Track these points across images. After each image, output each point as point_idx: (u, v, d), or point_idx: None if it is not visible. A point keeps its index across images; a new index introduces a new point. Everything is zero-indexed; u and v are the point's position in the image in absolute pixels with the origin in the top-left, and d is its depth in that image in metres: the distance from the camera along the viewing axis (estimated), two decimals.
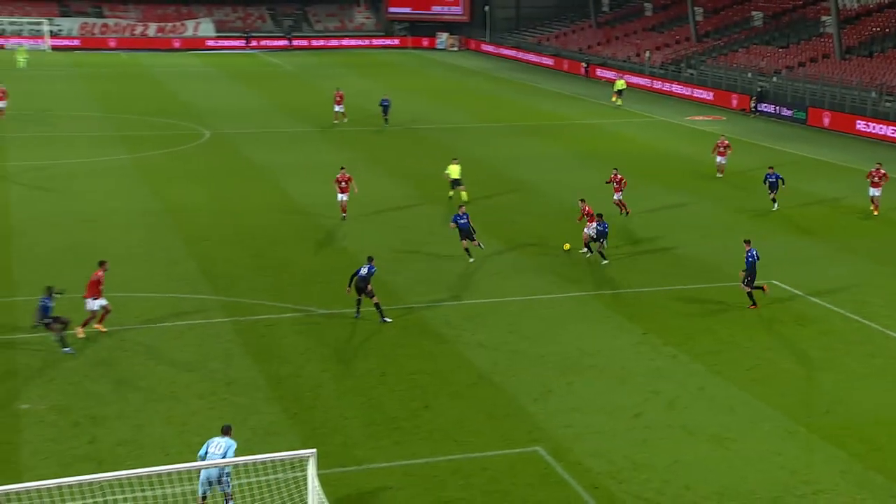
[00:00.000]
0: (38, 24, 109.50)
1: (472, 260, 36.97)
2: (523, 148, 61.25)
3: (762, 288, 33.32)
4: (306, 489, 17.09)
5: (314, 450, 16.89)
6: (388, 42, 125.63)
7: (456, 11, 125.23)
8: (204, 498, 19.55)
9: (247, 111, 72.68)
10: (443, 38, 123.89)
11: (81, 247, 37.94)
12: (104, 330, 29.74)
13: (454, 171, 46.05)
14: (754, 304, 32.81)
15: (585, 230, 37.70)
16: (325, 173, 47.44)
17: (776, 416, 25.31)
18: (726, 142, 53.62)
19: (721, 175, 52.83)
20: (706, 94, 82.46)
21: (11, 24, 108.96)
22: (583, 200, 38.79)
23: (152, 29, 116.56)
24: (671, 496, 21.43)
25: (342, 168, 43.58)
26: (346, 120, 66.12)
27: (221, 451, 19.58)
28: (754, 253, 32.70)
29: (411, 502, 21.08)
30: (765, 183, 46.18)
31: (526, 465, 22.79)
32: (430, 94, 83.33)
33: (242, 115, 70.53)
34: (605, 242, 37.19)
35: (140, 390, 26.16)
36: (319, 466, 16.90)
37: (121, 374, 27.08)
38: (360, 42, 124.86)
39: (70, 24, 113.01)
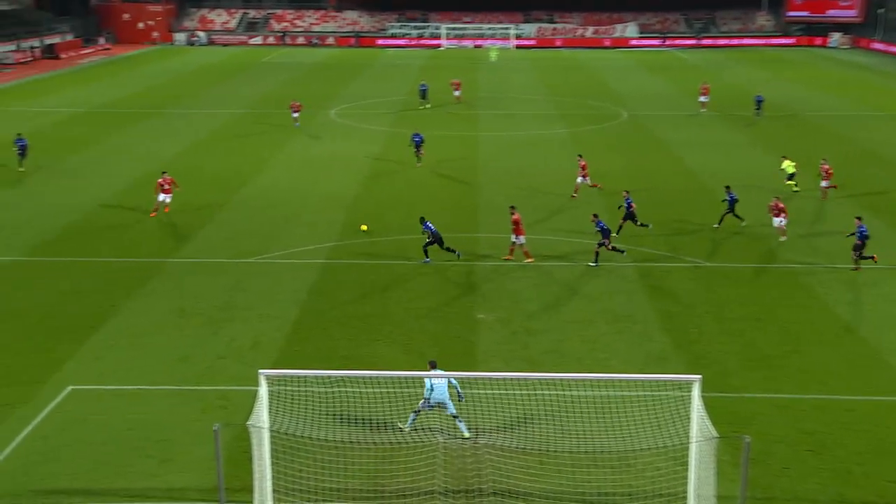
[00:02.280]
0: (507, 28, 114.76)
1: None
2: None
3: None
4: (690, 407, 16.55)
5: (699, 375, 16.28)
6: (784, 41, 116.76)
7: (850, 14, 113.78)
8: (417, 413, 18.93)
9: (656, 96, 70.92)
10: (835, 38, 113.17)
11: (530, 194, 39.30)
12: (531, 260, 30.69)
13: (788, 166, 40.85)
14: None
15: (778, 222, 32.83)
16: (719, 149, 45.17)
17: None
18: None
19: None
20: None
21: (488, 29, 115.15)
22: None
23: (589, 31, 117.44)
24: None
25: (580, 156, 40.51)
26: (703, 111, 62.14)
27: (443, 381, 18.58)
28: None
29: (776, 428, 19.92)
30: None
31: (890, 412, 20.62)
32: (815, 84, 76.44)
33: (653, 100, 68.92)
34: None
35: (560, 313, 26.67)
36: (701, 389, 16.25)
37: (547, 300, 27.78)
38: (758, 41, 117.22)
39: (529, 29, 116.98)
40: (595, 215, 31.35)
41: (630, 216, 33.53)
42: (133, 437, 19.35)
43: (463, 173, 44.43)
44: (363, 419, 19.68)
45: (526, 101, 68.70)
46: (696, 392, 16.25)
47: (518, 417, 19.35)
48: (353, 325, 25.67)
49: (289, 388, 19.69)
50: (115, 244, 32.72)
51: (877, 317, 26.27)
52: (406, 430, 19.13)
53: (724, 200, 35.31)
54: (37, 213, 36.95)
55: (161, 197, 35.72)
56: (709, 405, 16.70)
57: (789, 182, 40.87)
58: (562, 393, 19.85)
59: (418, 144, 45.54)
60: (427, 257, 30.81)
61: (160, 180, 36.01)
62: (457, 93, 66.26)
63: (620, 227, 33.52)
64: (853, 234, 30.39)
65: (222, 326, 25.54)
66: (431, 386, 18.78)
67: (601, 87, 77.07)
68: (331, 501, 17.01)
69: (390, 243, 33.13)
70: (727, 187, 35.30)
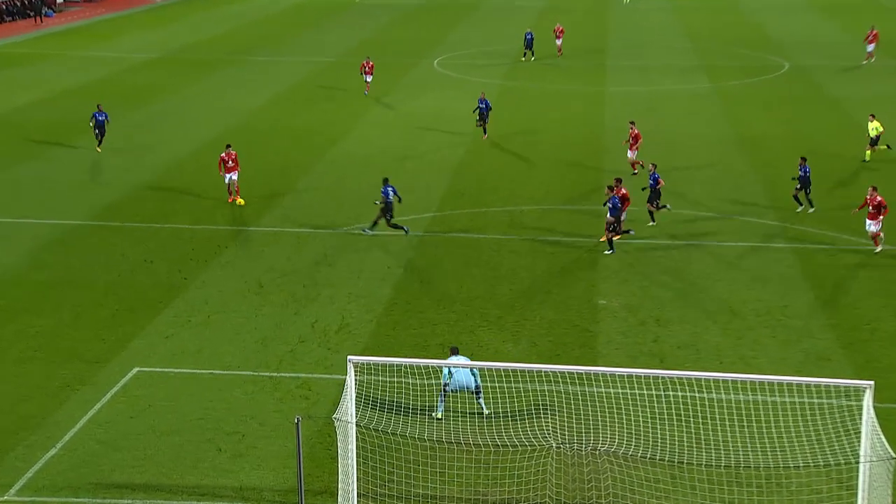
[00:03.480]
0: None
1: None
2: None
3: None
4: (860, 419, 15.90)
5: (871, 381, 15.58)
6: None
7: None
8: (443, 401, 19.46)
9: (830, 44, 68.13)
10: None
11: (666, 158, 38.40)
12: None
13: (874, 128, 38.64)
14: None
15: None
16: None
17: None
18: None
19: None
20: None
21: None
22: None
23: None
24: None
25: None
26: (868, 62, 59.35)
27: (467, 368, 19.03)
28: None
29: None
30: None
31: None
32: None
33: (824, 48, 66.23)
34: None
35: (699, 301, 26.03)
36: (874, 398, 15.56)
37: (684, 284, 27.15)
38: None
39: None
40: (612, 188, 29.71)
41: (655, 195, 31.33)
42: (204, 428, 19.81)
43: (585, 137, 43.86)
44: (464, 416, 19.69)
45: (663, 50, 67.16)
46: (867, 401, 15.57)
47: (646, 422, 19.06)
48: (453, 307, 25.71)
49: (380, 377, 19.84)
50: (190, 209, 33.62)
51: None
52: (439, 416, 19.43)
53: (793, 178, 33.05)
54: (104, 172, 38.36)
55: (228, 177, 33.71)
56: (883, 418, 16.07)
57: (878, 147, 38.58)
58: (699, 395, 19.42)
59: (484, 113, 42.27)
60: (370, 229, 30.32)
61: (223, 155, 33.73)
62: (558, 41, 63.93)
63: (650, 212, 31.55)
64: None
65: (305, 305, 25.91)
66: (450, 372, 19.22)
67: (757, 31, 74.61)
68: None
69: (499, 214, 33.00)
70: (803, 160, 32.88)
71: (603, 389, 19.79)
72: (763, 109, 48.71)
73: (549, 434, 18.66)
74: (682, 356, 22.78)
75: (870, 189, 29.58)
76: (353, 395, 16.65)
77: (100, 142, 40.38)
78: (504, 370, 20.20)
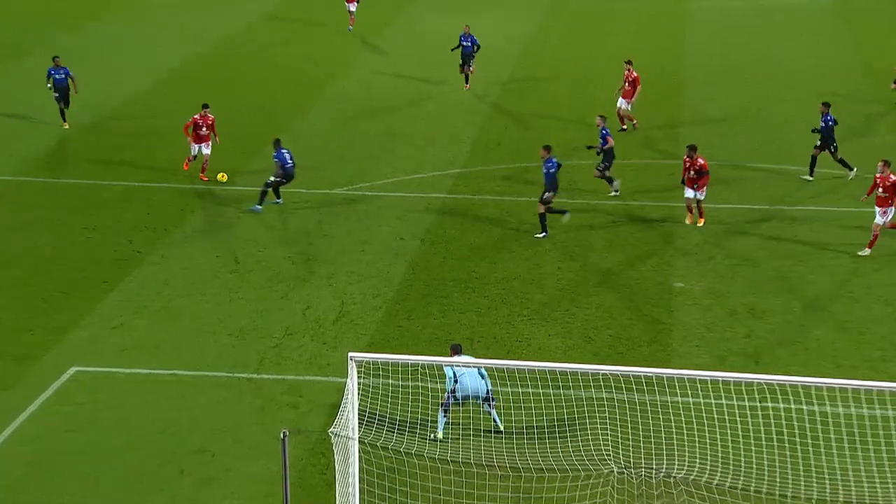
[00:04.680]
0: None
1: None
2: None
3: None
4: None
5: None
6: None
7: None
8: (446, 412, 19.53)
9: None
10: None
11: (748, 110, 38.08)
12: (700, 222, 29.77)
13: None
14: None
15: None
16: None
17: None
18: None
19: None
20: None
21: None
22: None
23: None
24: None
25: None
26: None
27: (475, 369, 19.30)
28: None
29: None
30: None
31: None
32: None
33: None
34: None
35: (802, 286, 25.87)
36: None
37: (786, 263, 27.08)
38: None
39: None
40: (547, 148, 29.17)
41: (608, 157, 30.87)
42: (162, 445, 19.74)
43: (660, 71, 43.56)
44: (499, 431, 19.64)
45: None
46: None
47: (736, 443, 18.90)
48: (485, 291, 25.65)
49: (390, 380, 19.81)
50: (145, 161, 33.58)
51: None
52: (440, 437, 19.41)
53: (814, 131, 32.11)
54: (30, 113, 38.32)
55: (196, 148, 32.21)
56: None
57: None
58: (807, 408, 19.24)
59: (467, 54, 40.67)
60: (259, 204, 29.96)
61: (196, 117, 32.13)
62: None
63: (602, 171, 31.02)
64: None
65: (294, 287, 25.88)
66: (454, 375, 19.32)
67: None
68: None
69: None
70: (825, 106, 32.15)
71: (679, 398, 19.65)
72: None
73: (607, 456, 18.52)
74: (785, 356, 22.70)
75: (880, 164, 27.58)
76: (356, 404, 16.55)
77: (63, 115, 36.93)
78: (549, 371, 20.03)
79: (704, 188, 28.87)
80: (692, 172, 28.71)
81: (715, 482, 17.59)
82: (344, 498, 16.44)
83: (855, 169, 31.92)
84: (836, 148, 31.85)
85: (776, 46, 46.60)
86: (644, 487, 17.99)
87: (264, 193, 30.04)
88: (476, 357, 20.47)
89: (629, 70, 36.73)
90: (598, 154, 31.08)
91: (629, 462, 18.51)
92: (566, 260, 27.21)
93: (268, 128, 36.24)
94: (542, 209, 28.43)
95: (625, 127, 36.54)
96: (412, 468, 17.86)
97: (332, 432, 16.27)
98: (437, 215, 29.77)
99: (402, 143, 35.34)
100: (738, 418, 19.39)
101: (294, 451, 17.89)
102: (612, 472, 18.01)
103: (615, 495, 17.67)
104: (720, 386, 19.61)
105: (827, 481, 17.90)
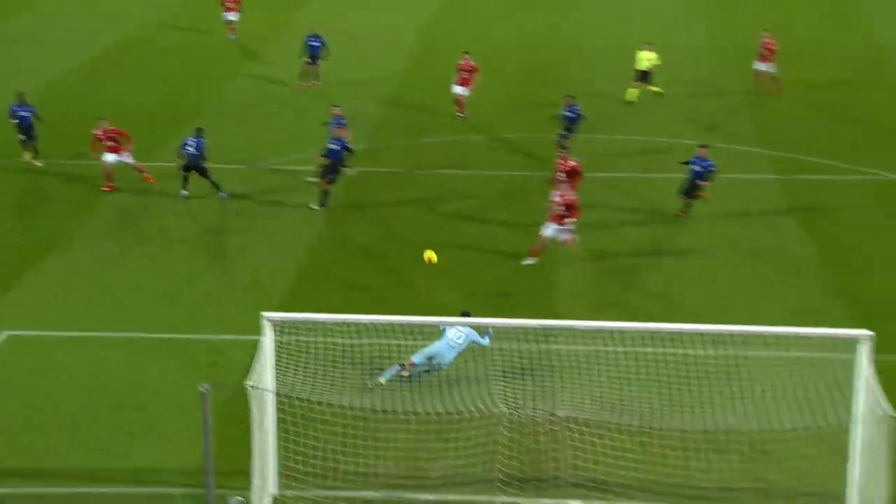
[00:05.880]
0: None
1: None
2: None
3: None
4: (855, 374, 16.28)
5: (870, 332, 16.02)
6: None
7: None
8: (411, 365, 19.86)
9: None
10: None
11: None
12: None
13: (644, 58, 37.26)
14: None
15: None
16: None
17: None
18: None
19: None
20: None
21: None
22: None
23: None
24: None
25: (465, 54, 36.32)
26: None
27: (463, 339, 19.88)
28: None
29: None
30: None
31: None
32: None
33: None
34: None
35: (676, 246, 26.48)
36: (874, 351, 16.03)
37: (658, 224, 27.69)
38: None
39: None
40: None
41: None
42: (93, 403, 19.76)
43: (553, 46, 43.61)
44: (402, 381, 19.87)
45: None
46: (864, 354, 15.98)
47: (612, 384, 19.27)
48: (392, 256, 25.84)
49: (302, 337, 19.83)
50: (71, 140, 32.91)
51: None
52: (382, 382, 19.75)
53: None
54: None
55: (108, 158, 29.29)
56: (884, 373, 16.39)
57: (640, 86, 36.87)
58: (672, 352, 19.62)
59: (314, 53, 38.85)
60: (193, 187, 28.91)
61: (98, 132, 29.32)
62: None
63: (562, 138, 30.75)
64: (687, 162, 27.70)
65: (214, 256, 25.96)
66: (447, 343, 19.81)
67: None
68: (356, 489, 17.25)
69: (445, 146, 33.16)
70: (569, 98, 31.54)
71: (563, 346, 20.01)
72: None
73: (498, 399, 18.77)
74: (655, 308, 23.18)
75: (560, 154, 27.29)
76: (271, 360, 16.71)
77: (35, 151, 31.45)
78: (446, 326, 20.33)
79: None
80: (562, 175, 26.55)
81: (593, 419, 17.87)
82: (261, 443, 16.60)
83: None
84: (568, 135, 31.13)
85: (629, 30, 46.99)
86: (530, 426, 18.26)
87: (211, 184, 29.01)
88: (396, 314, 20.28)
89: (467, 60, 35.64)
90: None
91: (518, 404, 18.71)
92: (461, 224, 27.55)
93: (179, 113, 35.79)
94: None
95: (461, 114, 35.77)
96: (322, 416, 17.95)
97: (248, 385, 16.41)
98: (346, 188, 29.44)
99: (311, 121, 34.94)
100: (613, 363, 19.75)
101: (214, 405, 17.84)
102: (503, 413, 18.25)
103: (506, 433, 17.88)
104: (598, 335, 19.73)
105: (689, 414, 18.27)
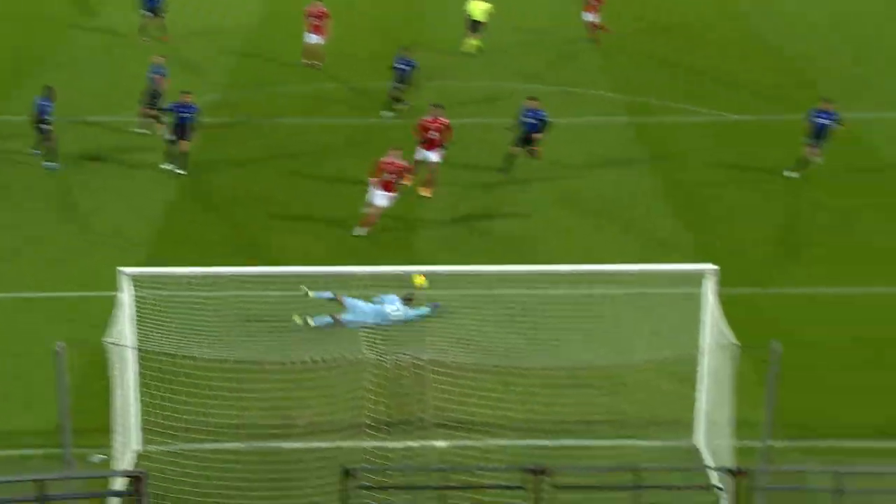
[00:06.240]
0: None
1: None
2: None
3: None
4: (700, 307, 16.67)
5: (714, 266, 16.38)
6: None
7: None
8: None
9: None
10: None
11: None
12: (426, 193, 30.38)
13: (477, 8, 36.56)
14: None
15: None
16: None
17: None
18: None
19: None
20: None
21: None
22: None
23: None
24: None
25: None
26: None
27: (399, 316, 20.20)
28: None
29: (819, 333, 20.22)
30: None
31: None
32: None
33: None
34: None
35: (531, 188, 26.62)
36: (719, 284, 16.41)
37: (515, 169, 27.64)
38: None
39: None
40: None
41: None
42: None
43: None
44: (266, 332, 19.58)
45: None
46: (709, 287, 16.33)
47: (473, 326, 19.39)
48: (247, 209, 25.53)
49: (163, 291, 19.43)
50: None
51: None
52: (311, 324, 19.97)
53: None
54: None
55: None
56: (728, 304, 16.83)
57: (476, 37, 36.26)
58: (530, 293, 19.86)
59: (152, 5, 35.92)
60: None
61: None
62: None
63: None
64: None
65: (69, 205, 25.21)
66: (381, 314, 20.09)
67: None
68: (222, 440, 17.00)
69: (301, 96, 32.83)
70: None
71: (426, 292, 20.10)
72: None
73: (363, 345, 18.79)
74: (513, 250, 23.29)
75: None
76: (131, 315, 16.31)
77: (47, 151, 27.62)
78: (311, 276, 20.12)
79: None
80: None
81: (456, 360, 17.91)
82: (122, 401, 16.20)
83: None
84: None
85: None
86: (395, 371, 18.27)
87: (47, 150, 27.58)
88: (260, 265, 20.19)
89: (316, 6, 34.63)
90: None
91: (382, 350, 18.74)
92: (320, 174, 27.29)
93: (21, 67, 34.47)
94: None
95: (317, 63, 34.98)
96: (186, 370, 17.56)
97: (106, 341, 15.94)
98: (205, 139, 28.52)
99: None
100: (473, 305, 19.94)
101: (78, 363, 17.40)
102: (367, 359, 18.19)
103: (372, 379, 17.86)
104: (458, 278, 19.88)
105: (548, 352, 18.55)
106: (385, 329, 19.68)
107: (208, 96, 30.81)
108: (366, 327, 19.84)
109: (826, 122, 25.87)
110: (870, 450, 17.03)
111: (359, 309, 20.27)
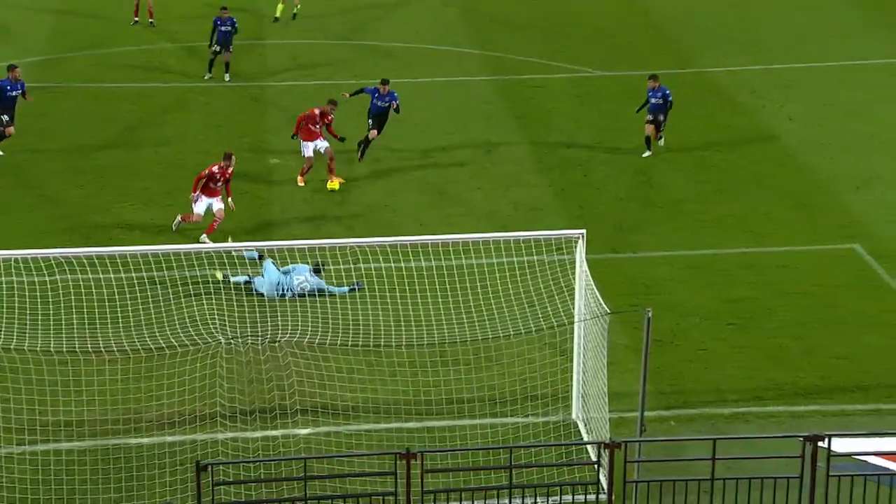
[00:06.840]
0: None
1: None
2: None
3: None
4: (572, 274, 16.69)
5: (583, 230, 16.30)
6: None
7: None
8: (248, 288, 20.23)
9: None
10: None
11: None
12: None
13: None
14: None
15: None
16: None
17: None
18: None
19: None
20: None
21: None
22: None
23: None
24: None
25: None
26: None
27: (306, 287, 20.06)
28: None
29: (690, 297, 20.37)
30: None
31: (837, 264, 21.44)
32: None
33: None
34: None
35: (393, 156, 26.06)
36: (588, 250, 16.35)
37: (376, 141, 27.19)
38: None
39: None
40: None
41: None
42: None
43: None
44: (107, 319, 18.74)
45: None
46: (580, 252, 16.23)
47: (334, 304, 19.19)
48: (84, 180, 24.77)
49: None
50: None
51: (824, 137, 27.15)
52: (241, 283, 20.22)
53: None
54: None
55: None
56: (598, 267, 16.87)
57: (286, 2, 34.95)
58: (394, 266, 19.52)
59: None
60: None
61: None
62: None
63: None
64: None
65: None
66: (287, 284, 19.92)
67: None
68: (59, 440, 16.25)
69: (131, 55, 31.95)
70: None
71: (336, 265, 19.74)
72: None
73: (214, 329, 18.18)
74: (376, 221, 22.97)
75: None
76: None
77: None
78: (151, 255, 19.25)
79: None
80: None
81: (316, 341, 17.60)
82: None
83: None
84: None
85: None
86: (252, 354, 17.83)
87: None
88: (96, 246, 19.66)
89: None
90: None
91: (236, 333, 18.28)
92: (163, 143, 26.62)
93: None
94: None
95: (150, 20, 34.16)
96: (11, 363, 16.80)
97: None
98: (26, 107, 27.32)
99: None
100: (334, 280, 19.69)
101: None
102: (220, 343, 17.55)
103: (224, 365, 17.25)
104: (316, 252, 19.83)
105: (414, 329, 18.31)
106: (242, 308, 19.22)
107: (32, 56, 29.71)
108: (268, 297, 19.87)
109: (656, 100, 25.28)
110: (745, 415, 17.23)
111: (268, 274, 20.05)
